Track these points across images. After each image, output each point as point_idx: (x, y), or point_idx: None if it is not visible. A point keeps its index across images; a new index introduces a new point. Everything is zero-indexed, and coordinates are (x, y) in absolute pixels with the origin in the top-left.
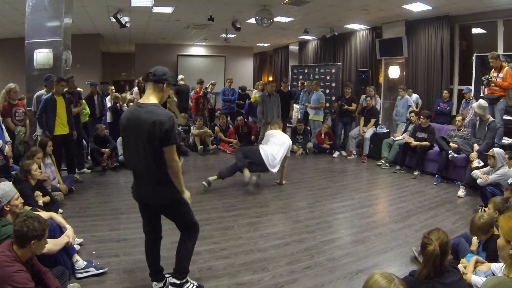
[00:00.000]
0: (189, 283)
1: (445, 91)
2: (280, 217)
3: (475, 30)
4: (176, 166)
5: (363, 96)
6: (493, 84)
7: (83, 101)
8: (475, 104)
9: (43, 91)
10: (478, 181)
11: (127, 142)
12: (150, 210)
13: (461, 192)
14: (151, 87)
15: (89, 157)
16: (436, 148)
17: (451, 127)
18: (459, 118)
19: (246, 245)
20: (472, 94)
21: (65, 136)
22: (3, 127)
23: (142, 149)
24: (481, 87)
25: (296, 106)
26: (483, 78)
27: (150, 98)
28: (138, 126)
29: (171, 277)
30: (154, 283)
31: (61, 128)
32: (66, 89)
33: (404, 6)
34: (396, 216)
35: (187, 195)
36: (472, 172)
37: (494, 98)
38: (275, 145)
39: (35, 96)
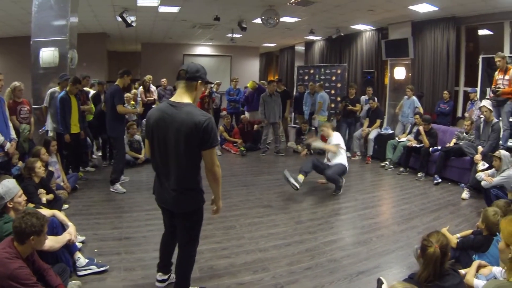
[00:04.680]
0: None
1: (445, 92)
2: (282, 218)
3: (482, 32)
4: (218, 171)
5: (363, 97)
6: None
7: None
8: (486, 101)
9: (56, 88)
10: (483, 183)
11: (156, 144)
12: (172, 214)
13: (465, 194)
14: (184, 85)
15: (93, 155)
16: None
17: (456, 128)
18: (467, 122)
19: (247, 245)
20: (478, 96)
21: (76, 135)
22: (10, 124)
23: (174, 151)
24: (487, 89)
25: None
26: (491, 89)
27: (183, 97)
28: (174, 127)
29: None
30: (160, 273)
31: (74, 127)
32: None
33: (410, 7)
34: (399, 218)
35: (220, 204)
36: (477, 174)
37: (501, 100)
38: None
39: (48, 92)
